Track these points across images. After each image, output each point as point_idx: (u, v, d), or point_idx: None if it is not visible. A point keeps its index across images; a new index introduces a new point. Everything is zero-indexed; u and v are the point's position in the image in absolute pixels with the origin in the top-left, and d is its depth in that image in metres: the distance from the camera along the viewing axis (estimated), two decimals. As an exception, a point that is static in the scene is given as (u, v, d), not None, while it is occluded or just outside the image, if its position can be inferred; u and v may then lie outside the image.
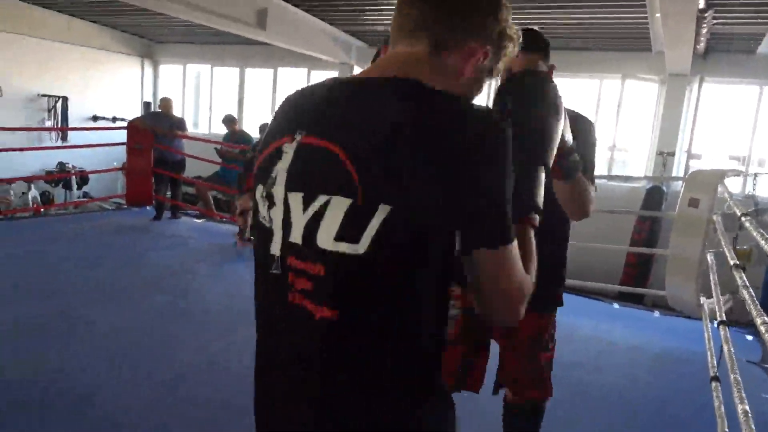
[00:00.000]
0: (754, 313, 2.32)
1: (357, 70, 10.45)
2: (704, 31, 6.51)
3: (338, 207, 0.80)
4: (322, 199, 0.81)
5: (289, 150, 0.86)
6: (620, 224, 7.86)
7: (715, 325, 3.72)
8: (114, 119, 11.57)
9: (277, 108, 0.95)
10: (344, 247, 0.79)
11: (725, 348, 3.05)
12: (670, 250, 4.37)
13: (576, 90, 9.25)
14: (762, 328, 2.34)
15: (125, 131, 7.28)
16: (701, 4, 5.63)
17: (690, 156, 8.21)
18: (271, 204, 0.87)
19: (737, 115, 8.45)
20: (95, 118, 11.46)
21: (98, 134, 9.28)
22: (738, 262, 4.04)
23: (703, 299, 4.17)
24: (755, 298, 2.85)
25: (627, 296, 6.71)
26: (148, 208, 7.66)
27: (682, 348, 4.15)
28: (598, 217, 2.37)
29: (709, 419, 2.70)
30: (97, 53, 11.33)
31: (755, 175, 4.40)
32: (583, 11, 7.23)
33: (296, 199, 0.84)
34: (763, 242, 3.62)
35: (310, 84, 0.95)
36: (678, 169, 8.43)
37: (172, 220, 7.46)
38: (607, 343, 4.16)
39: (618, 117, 8.84)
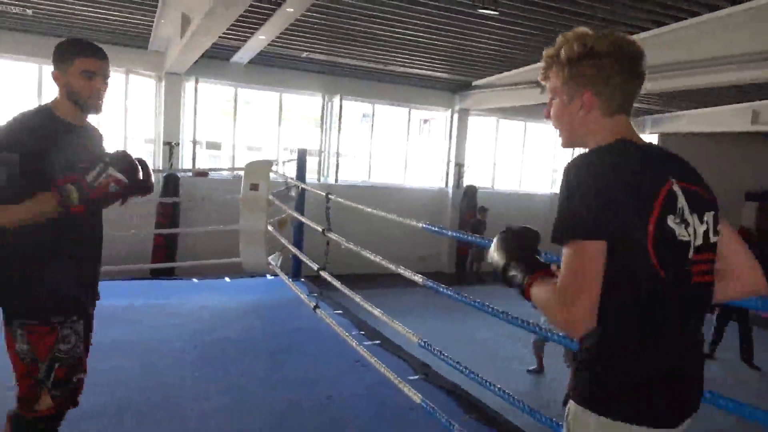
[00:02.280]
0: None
1: None
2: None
3: (713, 217, 1.25)
4: (709, 214, 1.24)
5: (678, 190, 1.20)
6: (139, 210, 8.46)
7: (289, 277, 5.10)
8: None
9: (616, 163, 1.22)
10: (715, 238, 1.25)
11: (298, 293, 4.48)
12: (240, 226, 5.46)
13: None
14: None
15: None
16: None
17: (195, 145, 9.48)
18: (686, 224, 1.20)
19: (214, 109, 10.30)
20: None
21: None
22: (276, 227, 5.54)
23: (269, 259, 5.48)
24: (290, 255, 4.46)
25: (160, 272, 7.58)
26: None
27: (273, 297, 5.39)
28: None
29: (324, 329, 4.03)
30: None
31: (285, 162, 5.96)
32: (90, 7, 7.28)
33: (694, 217, 1.21)
34: (290, 212, 5.18)
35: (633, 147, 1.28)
36: (182, 158, 9.58)
37: None
38: (209, 311, 4.92)
39: (126, 112, 9.23)
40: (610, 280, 1.14)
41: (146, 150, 9.73)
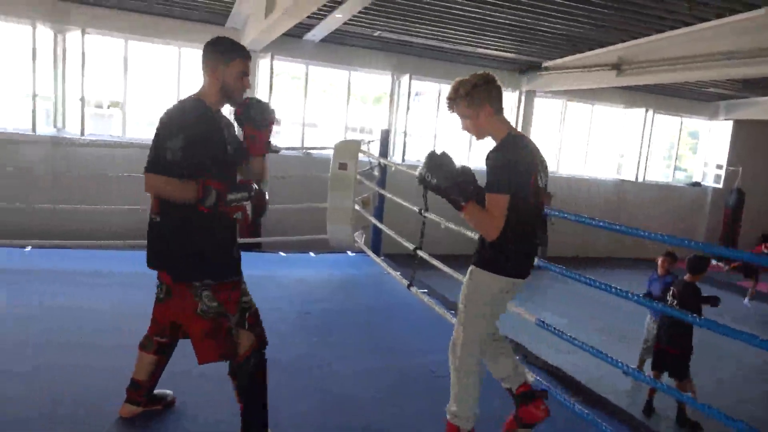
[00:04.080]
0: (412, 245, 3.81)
1: None
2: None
3: (547, 176, 2.42)
4: (546, 176, 2.40)
5: (539, 164, 2.34)
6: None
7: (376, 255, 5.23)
8: None
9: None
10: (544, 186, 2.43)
11: (388, 270, 4.60)
12: (328, 204, 5.63)
13: (157, 56, 9.40)
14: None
15: None
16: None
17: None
18: (542, 179, 2.34)
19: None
20: None
21: None
22: (360, 205, 5.68)
23: (355, 236, 5.65)
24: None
25: (247, 246, 7.86)
26: None
27: (361, 272, 5.58)
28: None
29: (415, 305, 4.15)
30: None
31: (369, 142, 6.11)
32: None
33: (543, 175, 2.36)
34: (378, 189, 5.29)
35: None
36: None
37: None
38: (307, 284, 5.14)
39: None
40: (512, 208, 2.20)
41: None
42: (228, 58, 2.23)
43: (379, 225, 5.47)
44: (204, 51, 2.27)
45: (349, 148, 5.57)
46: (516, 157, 2.23)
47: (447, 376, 3.40)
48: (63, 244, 5.60)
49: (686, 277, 5.10)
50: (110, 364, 2.94)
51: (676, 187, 13.85)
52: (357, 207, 5.54)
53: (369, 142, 6.01)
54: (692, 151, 14.67)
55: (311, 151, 9.59)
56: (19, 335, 3.43)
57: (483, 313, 2.42)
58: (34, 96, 8.57)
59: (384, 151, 6.17)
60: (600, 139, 12.86)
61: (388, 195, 5.42)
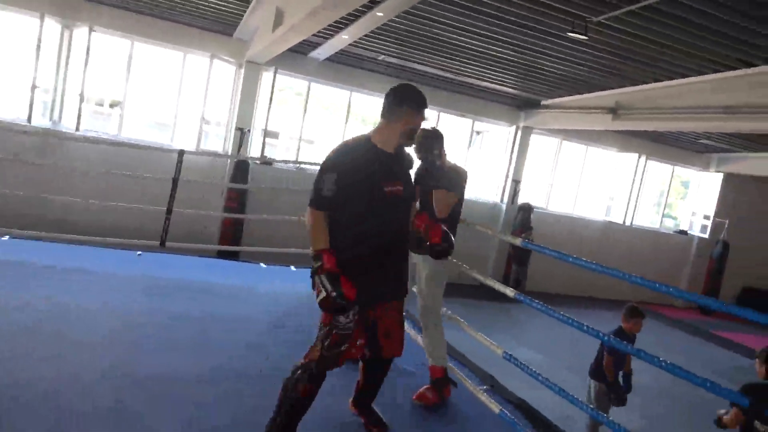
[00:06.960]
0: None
1: None
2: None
3: None
4: None
5: None
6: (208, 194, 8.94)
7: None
8: None
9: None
10: None
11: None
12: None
13: (161, 59, 9.49)
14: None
15: None
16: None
17: (266, 134, 9.79)
18: None
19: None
20: None
21: None
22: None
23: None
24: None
25: (225, 254, 7.86)
26: None
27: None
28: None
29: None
30: None
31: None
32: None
33: None
34: None
35: None
36: (251, 145, 9.90)
37: None
38: (285, 297, 5.13)
39: (206, 93, 9.62)
40: None
41: (218, 134, 10.11)
42: (421, 108, 2.64)
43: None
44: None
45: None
46: None
47: (414, 404, 3.42)
48: (38, 235, 5.51)
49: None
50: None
51: (663, 233, 13.99)
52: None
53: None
54: (682, 199, 14.86)
55: (305, 165, 9.63)
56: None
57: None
58: (34, 87, 8.58)
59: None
60: (592, 180, 13.01)
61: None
